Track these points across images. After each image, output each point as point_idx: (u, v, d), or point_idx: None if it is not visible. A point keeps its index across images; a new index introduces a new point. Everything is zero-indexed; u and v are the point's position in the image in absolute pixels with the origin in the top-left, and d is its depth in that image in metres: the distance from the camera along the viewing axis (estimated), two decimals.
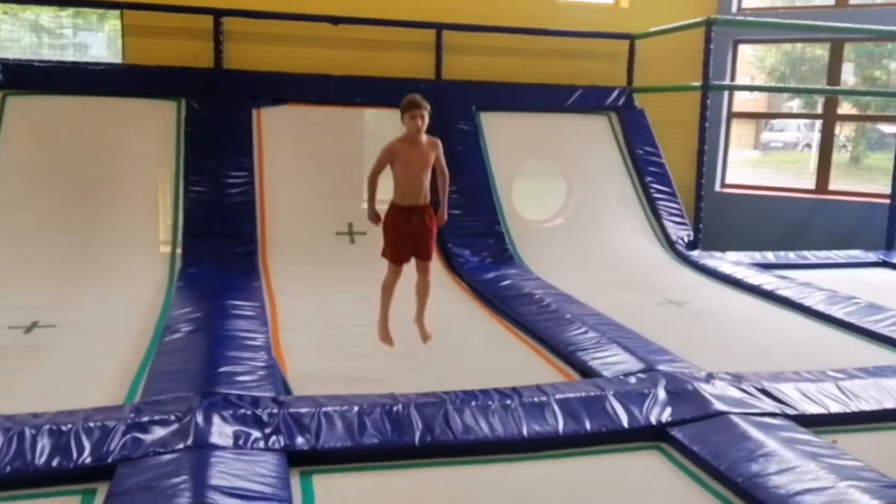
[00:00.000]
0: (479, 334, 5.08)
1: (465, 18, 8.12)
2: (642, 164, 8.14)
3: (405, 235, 4.05)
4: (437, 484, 3.04)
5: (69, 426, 3.08)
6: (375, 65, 7.93)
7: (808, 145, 15.21)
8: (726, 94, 9.39)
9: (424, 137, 3.99)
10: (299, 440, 3.15)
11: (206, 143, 6.86)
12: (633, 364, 4.11)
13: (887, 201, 8.31)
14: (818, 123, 9.73)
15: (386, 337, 4.23)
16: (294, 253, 6.46)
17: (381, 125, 8.29)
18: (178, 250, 6.25)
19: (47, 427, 3.07)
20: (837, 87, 9.14)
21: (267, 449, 3.08)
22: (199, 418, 3.18)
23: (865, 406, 3.66)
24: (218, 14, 7.39)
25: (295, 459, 3.08)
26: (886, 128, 11.59)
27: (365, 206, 7.01)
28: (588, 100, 8.40)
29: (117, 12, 7.62)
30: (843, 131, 11.05)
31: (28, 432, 3.03)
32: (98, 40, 8.62)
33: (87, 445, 3.00)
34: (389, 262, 4.13)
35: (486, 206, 7.24)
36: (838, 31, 8.25)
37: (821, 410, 3.59)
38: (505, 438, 3.29)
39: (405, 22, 7.96)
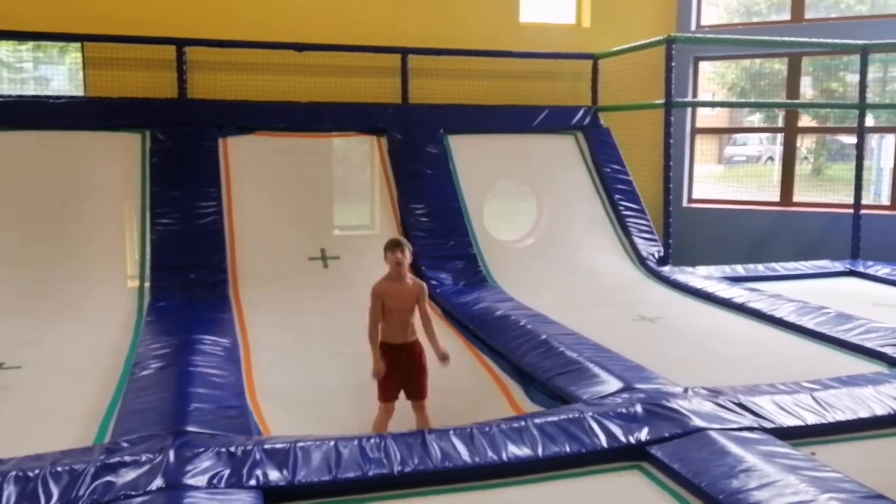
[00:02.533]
0: (456, 366, 5.00)
1: (430, 42, 8.17)
2: (610, 182, 8.21)
3: (394, 373, 3.98)
4: None
5: (36, 471, 2.98)
6: (342, 90, 7.92)
7: (771, 158, 15.50)
8: (689, 110, 9.54)
9: (410, 280, 4.07)
10: (275, 476, 3.08)
11: (172, 173, 6.77)
12: (611, 383, 4.10)
13: (850, 211, 8.47)
14: (780, 137, 9.92)
15: None
16: (266, 281, 6.38)
17: (349, 151, 8.31)
18: (147, 284, 6.14)
19: (13, 473, 2.97)
20: (797, 101, 9.33)
21: (242, 487, 3.00)
22: (172, 458, 3.10)
23: (841, 416, 3.69)
24: (180, 44, 7.34)
25: (271, 496, 3.01)
26: (846, 139, 11.86)
27: (336, 232, 7.05)
28: (554, 120, 8.47)
29: (78, 45, 7.52)
30: (805, 143, 11.28)
31: None
32: (59, 73, 8.51)
33: (56, 491, 2.90)
34: (381, 402, 4.00)
35: (458, 228, 7.23)
36: (795, 46, 8.44)
37: (798, 423, 3.61)
38: (484, 464, 3.25)
39: (370, 47, 7.98)
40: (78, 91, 7.61)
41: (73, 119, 6.90)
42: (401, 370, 3.98)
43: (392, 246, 4.05)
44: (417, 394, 4.02)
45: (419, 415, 4.02)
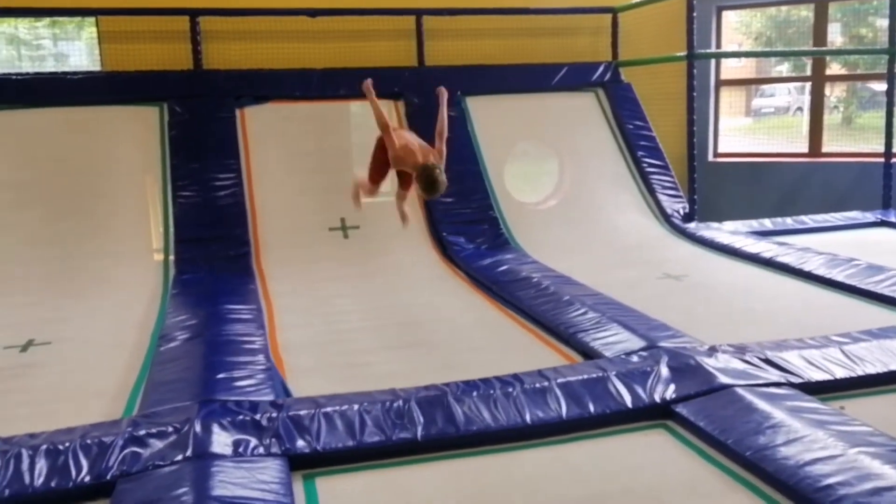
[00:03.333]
0: (479, 322, 5.03)
1: (444, 2, 8.01)
2: (633, 139, 8.07)
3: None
4: (443, 478, 3.00)
5: (66, 445, 3.03)
6: (357, 55, 7.83)
7: (800, 109, 15.13)
8: (713, 62, 9.30)
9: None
10: (300, 443, 3.10)
11: (190, 146, 6.77)
12: (635, 342, 4.07)
13: (881, 160, 8.24)
14: (808, 86, 9.65)
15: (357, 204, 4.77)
16: (287, 252, 6.40)
17: (368, 117, 8.18)
18: (171, 257, 6.18)
19: (44, 447, 3.02)
20: (823, 49, 9.05)
21: (267, 454, 3.03)
22: (198, 428, 3.13)
23: (871, 369, 3.61)
24: (194, 14, 7.28)
25: (296, 463, 3.04)
26: (877, 86, 11.51)
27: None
28: (574, 77, 8.31)
29: (93, 20, 7.50)
30: (834, 92, 10.98)
31: (25, 454, 2.98)
32: (77, 49, 8.52)
33: (85, 463, 2.95)
34: (369, 182, 4.62)
35: (479, 191, 7.17)
36: None
37: (826, 377, 3.54)
38: (508, 427, 3.24)
39: (383, 10, 7.86)
40: (95, 66, 7.62)
41: (90, 95, 6.92)
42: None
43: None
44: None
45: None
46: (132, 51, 7.26)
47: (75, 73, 7.19)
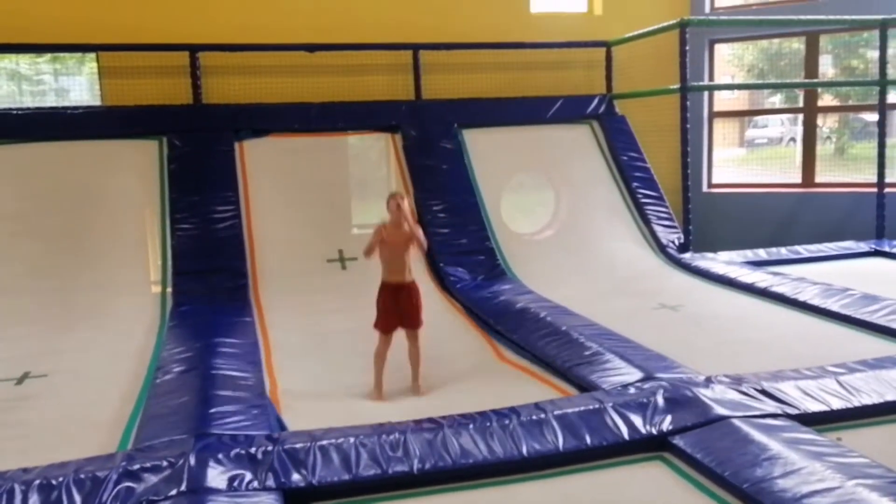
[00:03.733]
0: (475, 357, 5.04)
1: (441, 37, 8.14)
2: (628, 170, 8.14)
3: (393, 309, 4.61)
4: None
5: (60, 479, 3.02)
6: (355, 89, 7.93)
7: (793, 139, 15.26)
8: (706, 94, 9.42)
9: (406, 226, 4.56)
10: (295, 477, 3.09)
11: (189, 179, 6.82)
12: (632, 374, 4.07)
13: (874, 190, 8.31)
14: (801, 117, 9.76)
15: (379, 397, 4.50)
16: (286, 283, 6.40)
17: (364, 150, 8.30)
18: (169, 289, 6.19)
19: (37, 482, 3.01)
20: (816, 80, 9.17)
21: (262, 489, 3.02)
22: (193, 462, 3.12)
23: (867, 400, 3.62)
24: (194, 49, 7.39)
25: (291, 497, 3.02)
26: (869, 116, 11.63)
27: (354, 231, 7.14)
28: (569, 109, 8.41)
29: (93, 55, 7.60)
30: (827, 123, 11.09)
31: (18, 489, 2.97)
32: (78, 84, 8.60)
33: (78, 499, 2.94)
34: (380, 333, 4.61)
35: (475, 223, 7.21)
36: (812, 24, 8.30)
37: (823, 408, 3.55)
38: (504, 459, 3.24)
39: (381, 45, 7.98)
40: (96, 101, 7.69)
41: (90, 129, 6.99)
42: (400, 306, 4.60)
43: (392, 196, 4.65)
44: (412, 324, 4.64)
45: (412, 343, 4.63)
46: (132, 85, 7.34)
47: (76, 107, 7.26)
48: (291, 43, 7.67)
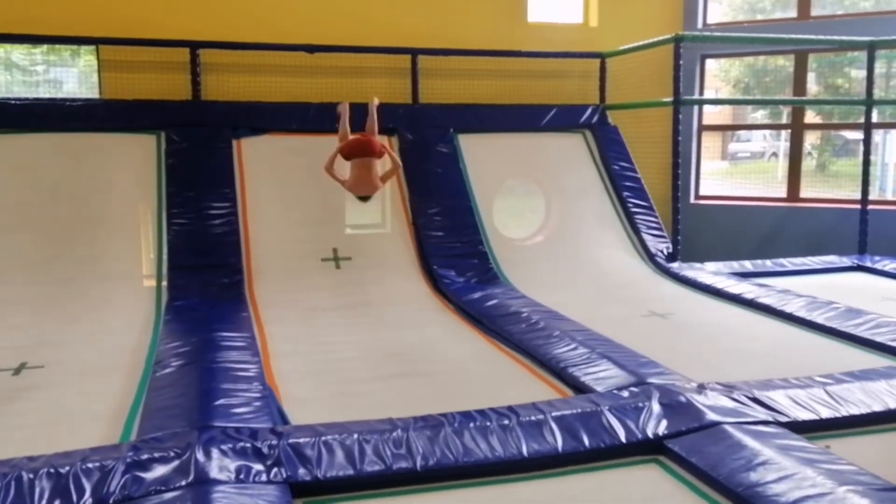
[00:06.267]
0: (471, 354, 5.12)
1: (439, 43, 8.23)
2: (619, 180, 8.27)
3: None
4: None
5: (67, 468, 3.05)
6: (353, 91, 7.96)
7: (775, 154, 15.56)
8: (696, 107, 9.59)
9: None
10: (301, 471, 3.15)
11: (187, 175, 6.85)
12: (625, 378, 4.17)
13: (857, 206, 8.51)
14: (784, 133, 9.96)
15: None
16: (280, 281, 6.45)
17: None
18: (164, 283, 6.21)
19: (44, 470, 3.03)
20: (806, 98, 9.37)
21: (269, 481, 3.07)
22: (199, 454, 3.17)
23: (855, 410, 3.74)
24: (194, 46, 7.42)
25: (297, 490, 3.08)
26: (850, 134, 11.88)
27: (348, 231, 7.27)
28: (563, 118, 8.53)
29: (92, 48, 7.60)
30: (808, 139, 11.32)
31: (25, 476, 2.99)
32: (72, 76, 8.58)
33: (87, 487, 2.97)
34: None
35: (469, 226, 7.30)
36: (803, 43, 8.48)
37: (812, 416, 3.66)
38: (505, 459, 3.31)
39: (380, 48, 8.05)
40: (91, 93, 7.69)
41: (89, 121, 6.99)
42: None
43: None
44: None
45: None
46: (131, 79, 7.36)
47: (74, 99, 7.26)
48: (292, 43, 7.72)
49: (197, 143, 7.04)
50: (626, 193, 8.19)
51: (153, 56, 7.41)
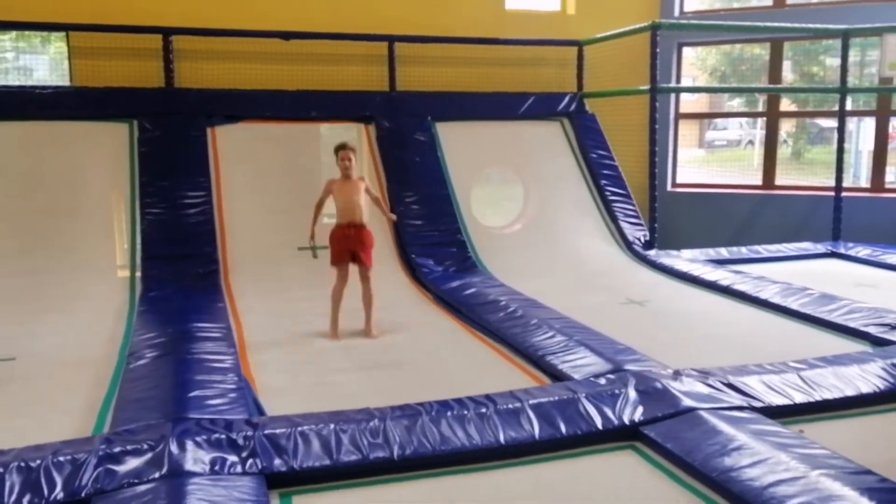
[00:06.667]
0: (449, 343, 5.11)
1: (416, 30, 8.17)
2: (596, 168, 8.28)
3: (343, 242, 5.13)
4: (419, 497, 3.05)
5: (38, 462, 3.00)
6: (329, 79, 7.92)
7: (751, 142, 15.69)
8: (673, 95, 9.62)
9: (354, 174, 5.19)
10: (276, 461, 3.12)
11: (160, 163, 6.75)
12: (602, 365, 4.18)
13: (832, 194, 8.60)
14: (760, 121, 10.03)
15: (335, 336, 5.09)
16: (257, 270, 6.40)
17: (337, 139, 8.26)
18: (138, 274, 6.13)
19: (15, 464, 2.98)
20: (781, 86, 9.44)
21: (244, 473, 3.04)
22: (173, 446, 3.13)
23: (828, 395, 3.79)
24: (167, 33, 7.30)
25: (273, 481, 3.05)
26: (825, 122, 12.00)
27: (325, 220, 7.19)
28: (541, 106, 8.52)
29: (62, 34, 7.45)
30: (784, 127, 11.43)
31: None
32: (42, 63, 8.41)
33: (59, 481, 2.92)
34: (336, 269, 5.15)
35: (447, 215, 7.28)
36: (778, 31, 8.53)
37: (786, 401, 3.70)
38: (483, 447, 3.31)
39: (357, 35, 7.98)
40: (62, 81, 7.55)
41: (59, 109, 6.86)
42: (350, 240, 5.11)
43: (340, 148, 5.16)
44: (363, 260, 5.15)
45: (364, 285, 5.21)
46: (103, 66, 7.24)
47: (44, 87, 7.11)
48: (267, 30, 7.62)
49: (170, 132, 6.94)
50: (603, 181, 8.21)
51: (125, 42, 7.29)
